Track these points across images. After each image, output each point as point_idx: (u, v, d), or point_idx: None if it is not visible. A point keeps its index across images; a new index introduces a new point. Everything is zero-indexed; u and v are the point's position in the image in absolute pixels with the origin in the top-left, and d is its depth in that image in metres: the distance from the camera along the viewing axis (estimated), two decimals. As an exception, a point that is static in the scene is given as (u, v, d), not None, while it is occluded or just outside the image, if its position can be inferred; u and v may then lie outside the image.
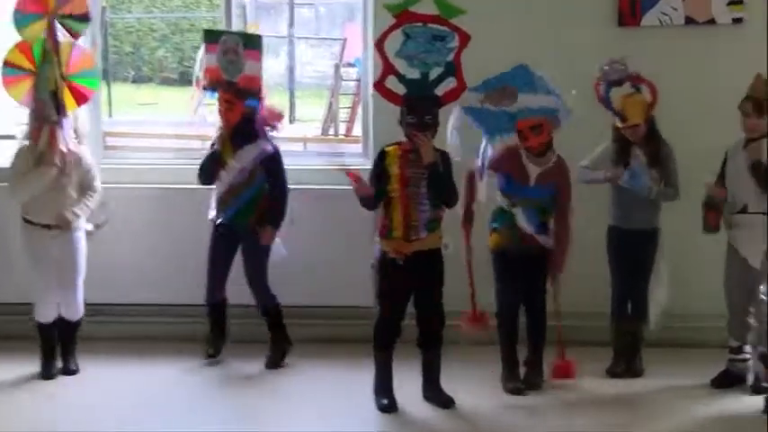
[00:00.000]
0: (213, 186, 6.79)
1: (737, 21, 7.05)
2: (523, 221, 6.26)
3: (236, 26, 7.86)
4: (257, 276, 6.80)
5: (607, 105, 6.47)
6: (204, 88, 6.94)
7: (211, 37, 6.89)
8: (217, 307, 6.94)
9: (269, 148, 6.71)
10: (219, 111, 6.71)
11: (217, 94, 6.75)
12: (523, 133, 6.18)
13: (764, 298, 6.25)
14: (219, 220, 6.78)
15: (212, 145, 6.76)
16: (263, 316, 6.87)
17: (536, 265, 6.33)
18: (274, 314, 6.87)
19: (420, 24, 5.91)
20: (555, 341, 6.44)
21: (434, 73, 5.94)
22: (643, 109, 6.40)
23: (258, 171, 6.70)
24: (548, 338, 6.43)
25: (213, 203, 6.81)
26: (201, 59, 6.96)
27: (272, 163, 6.71)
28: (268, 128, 6.77)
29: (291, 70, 15.75)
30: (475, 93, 6.15)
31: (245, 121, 6.66)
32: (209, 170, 6.73)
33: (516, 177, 6.25)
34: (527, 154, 6.24)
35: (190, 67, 16.16)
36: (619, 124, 6.45)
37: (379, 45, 5.98)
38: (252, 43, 6.78)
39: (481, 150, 6.31)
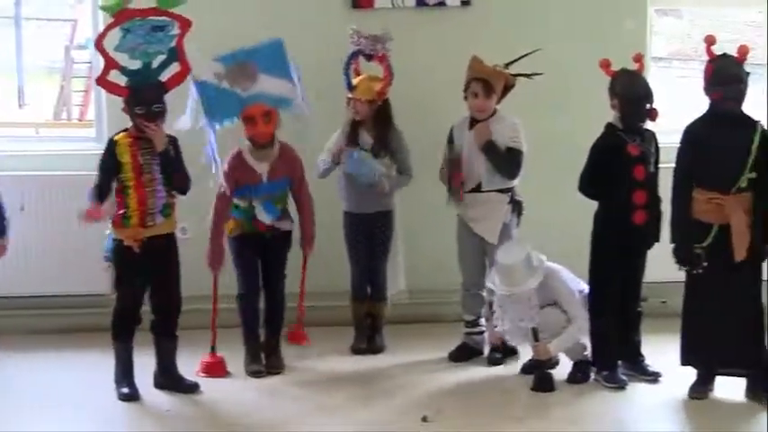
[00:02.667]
0: None
1: (466, 3, 7.24)
2: (262, 215, 6.24)
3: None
4: None
5: (346, 74, 6.53)
6: None
7: None
8: None
9: None
10: None
11: None
12: (253, 120, 6.10)
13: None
14: None
15: None
16: None
17: (275, 248, 6.34)
18: None
19: (138, 18, 5.73)
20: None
21: (157, 61, 5.81)
22: (372, 91, 6.48)
23: None
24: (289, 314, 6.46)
25: None
26: None
27: None
28: None
29: (19, 52, 15.15)
30: (219, 63, 6.00)
31: None
32: None
33: (248, 181, 6.20)
34: (250, 150, 6.19)
35: None
36: (349, 95, 6.51)
37: (98, 44, 5.76)
38: None
39: (209, 144, 6.01)
